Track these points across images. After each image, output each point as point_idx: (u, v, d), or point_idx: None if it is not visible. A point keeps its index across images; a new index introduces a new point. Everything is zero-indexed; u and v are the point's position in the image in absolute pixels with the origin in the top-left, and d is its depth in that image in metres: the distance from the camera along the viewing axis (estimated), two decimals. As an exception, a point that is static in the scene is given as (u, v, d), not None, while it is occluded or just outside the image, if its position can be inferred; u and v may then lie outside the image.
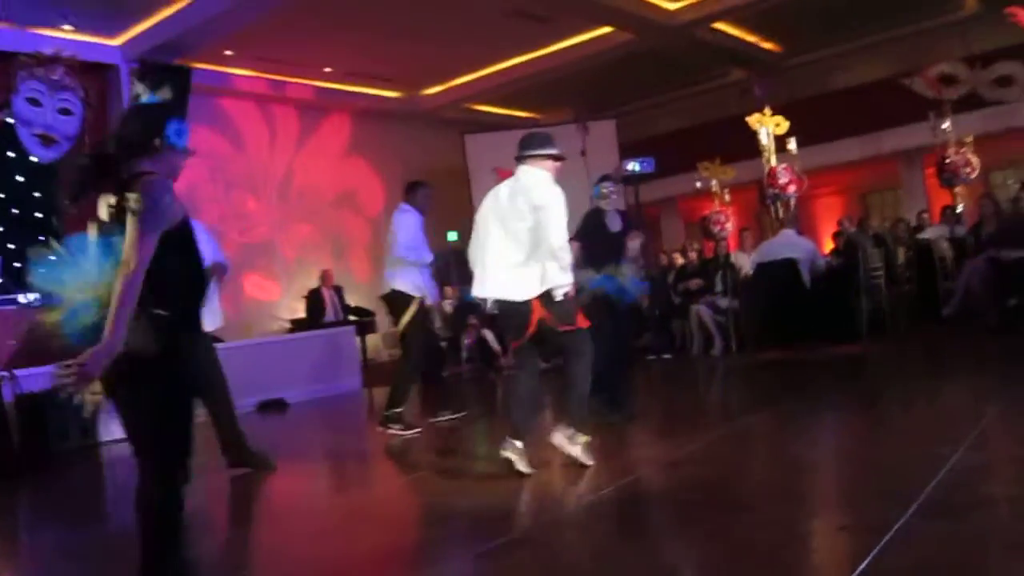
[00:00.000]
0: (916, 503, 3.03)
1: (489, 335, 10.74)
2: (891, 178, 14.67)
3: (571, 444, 4.40)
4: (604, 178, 5.97)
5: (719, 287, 9.87)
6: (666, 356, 9.85)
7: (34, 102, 9.92)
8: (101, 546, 4.13)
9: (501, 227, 4.40)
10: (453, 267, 13.83)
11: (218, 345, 9.31)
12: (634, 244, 5.76)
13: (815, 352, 8.46)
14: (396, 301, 6.42)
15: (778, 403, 6.12)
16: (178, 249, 2.49)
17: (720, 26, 13.08)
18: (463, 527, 3.64)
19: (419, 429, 6.38)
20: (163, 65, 10.52)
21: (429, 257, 6.50)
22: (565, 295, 4.33)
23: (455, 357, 11.03)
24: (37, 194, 10.80)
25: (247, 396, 9.44)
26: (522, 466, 4.30)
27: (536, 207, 4.24)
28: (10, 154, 10.37)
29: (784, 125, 10.72)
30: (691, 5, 12.03)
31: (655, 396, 7.02)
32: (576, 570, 3.03)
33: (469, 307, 11.38)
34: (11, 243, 10.33)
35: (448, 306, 11.59)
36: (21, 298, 8.14)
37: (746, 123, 10.85)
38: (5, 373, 6.97)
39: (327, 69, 13.19)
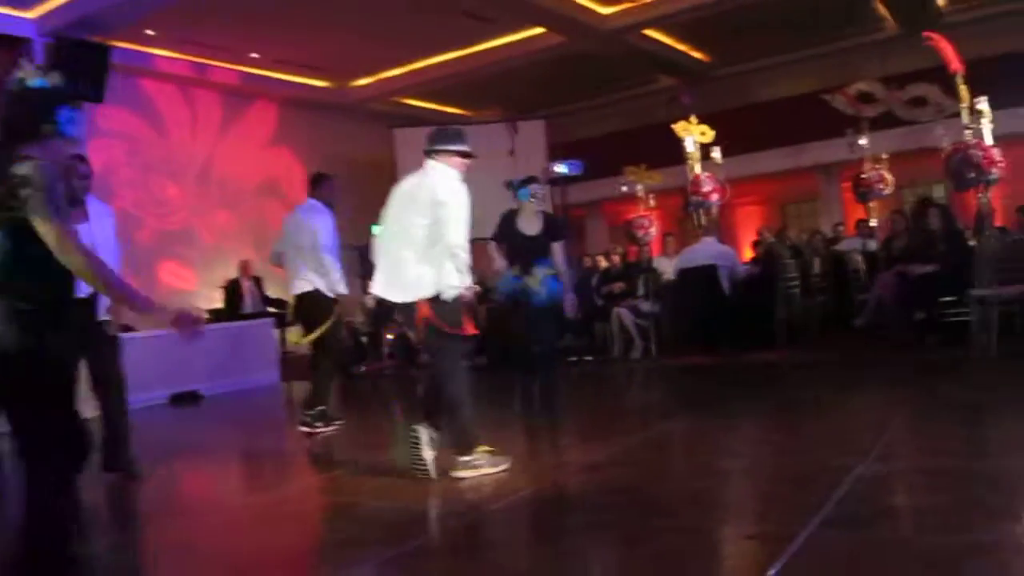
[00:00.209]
0: (822, 513, 3.10)
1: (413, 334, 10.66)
2: (810, 190, 15.07)
3: (428, 447, 4.22)
4: (531, 179, 5.92)
5: (641, 291, 9.98)
6: (587, 358, 9.92)
7: (-61, 74, 9.46)
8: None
9: (398, 222, 4.29)
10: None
11: (130, 335, 9.05)
12: (557, 249, 5.74)
13: (732, 358, 8.64)
14: (317, 303, 6.20)
15: (695, 408, 6.22)
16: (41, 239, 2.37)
17: (651, 33, 13.25)
18: (374, 530, 3.58)
19: (341, 420, 6.30)
20: (80, 42, 10.12)
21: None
22: (455, 298, 4.19)
23: (376, 353, 10.92)
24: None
25: (160, 388, 9.21)
26: (432, 471, 4.17)
27: (437, 203, 4.14)
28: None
29: (709, 134, 10.89)
30: (624, 11, 12.15)
31: (576, 398, 7.05)
32: None
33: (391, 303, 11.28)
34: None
35: (370, 301, 11.46)
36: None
37: (672, 130, 10.98)
38: None
39: (254, 55, 12.92)
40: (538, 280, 5.58)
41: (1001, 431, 4.59)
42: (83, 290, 4.60)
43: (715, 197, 10.72)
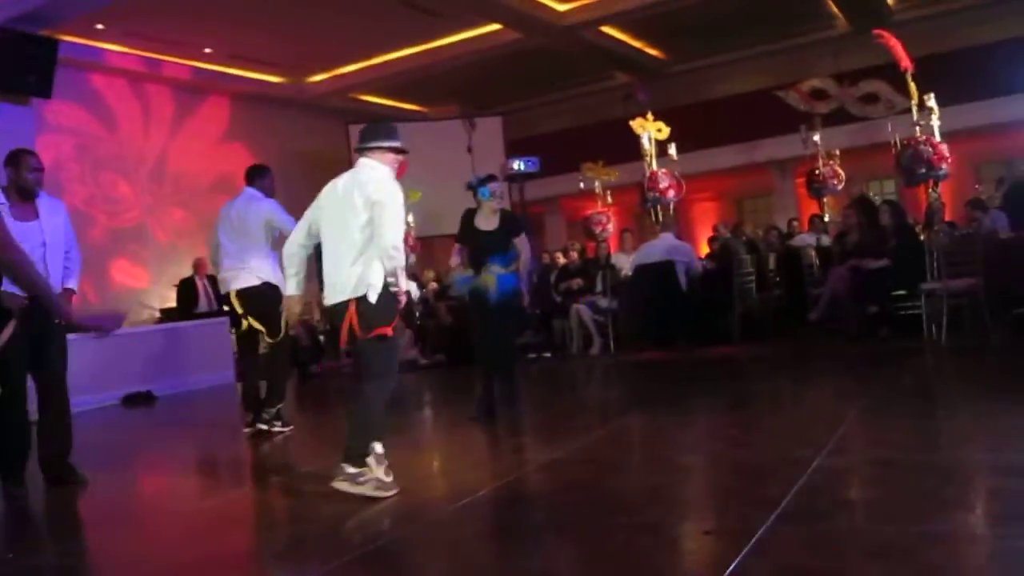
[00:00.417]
0: (779, 507, 3.12)
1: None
2: (764, 186, 15.25)
3: (355, 487, 3.86)
4: (490, 178, 5.89)
5: (599, 287, 10.02)
6: (546, 355, 9.94)
7: None
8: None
9: (334, 224, 4.11)
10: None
11: (80, 336, 8.87)
12: (522, 243, 5.73)
13: (690, 353, 8.70)
14: (267, 296, 5.93)
15: (653, 404, 6.25)
16: None
17: (607, 30, 13.29)
18: (325, 534, 3.53)
19: (291, 427, 6.25)
20: (26, 35, 9.88)
21: None
22: (384, 299, 4.00)
23: (334, 352, 10.81)
24: None
25: (112, 389, 9.04)
26: (381, 492, 3.87)
27: (372, 203, 3.97)
28: None
29: (666, 131, 10.97)
30: (579, 7, 12.18)
31: (534, 396, 7.05)
32: (448, 576, 2.99)
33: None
34: None
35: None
36: None
37: (629, 126, 11.04)
38: None
39: (207, 50, 12.72)
40: (491, 278, 5.53)
41: (953, 423, 4.68)
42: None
43: (671, 193, 10.81)
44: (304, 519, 3.87)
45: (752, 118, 13.22)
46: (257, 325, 6.11)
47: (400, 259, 4.02)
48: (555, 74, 14.97)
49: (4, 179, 4.77)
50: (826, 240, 10.50)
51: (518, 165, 14.06)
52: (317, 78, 14.62)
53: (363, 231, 4.00)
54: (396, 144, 4.26)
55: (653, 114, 11.10)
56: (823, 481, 3.50)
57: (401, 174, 11.92)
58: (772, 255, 10.69)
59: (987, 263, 7.45)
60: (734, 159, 14.24)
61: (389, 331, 4.03)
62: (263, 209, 6.04)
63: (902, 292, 8.10)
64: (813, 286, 9.45)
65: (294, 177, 11.17)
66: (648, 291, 9.37)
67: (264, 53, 13.08)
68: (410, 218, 13.10)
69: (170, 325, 10.72)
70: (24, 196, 4.70)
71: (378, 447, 3.95)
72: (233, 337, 10.82)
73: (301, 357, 10.69)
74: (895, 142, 9.28)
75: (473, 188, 5.75)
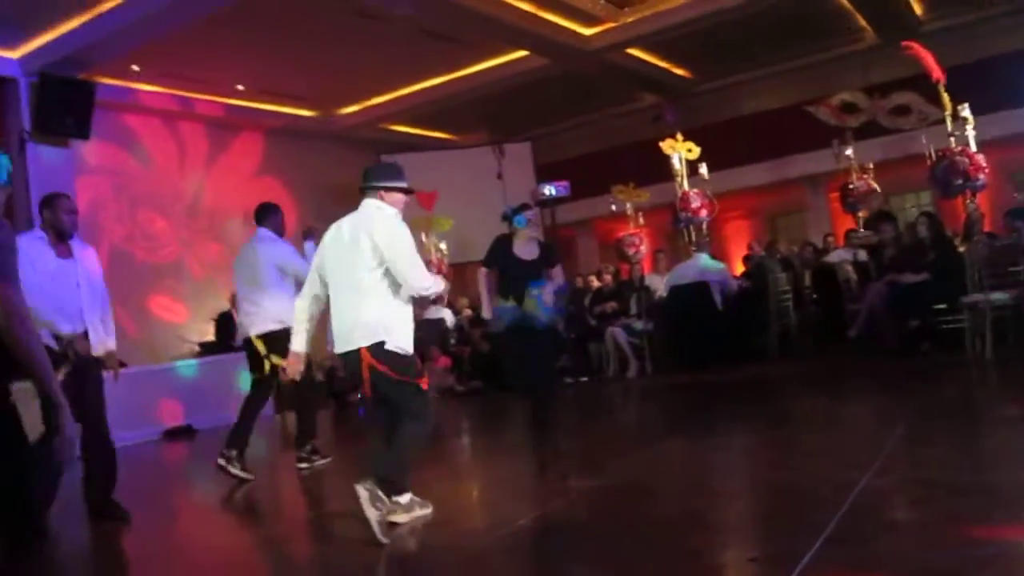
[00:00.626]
0: (825, 532, 3.07)
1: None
2: (797, 202, 15.11)
3: (371, 505, 3.69)
4: (524, 206, 5.91)
5: (634, 310, 9.97)
6: (583, 379, 9.89)
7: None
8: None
9: (341, 269, 3.99)
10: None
11: (121, 371, 8.97)
12: (557, 274, 5.75)
13: (727, 374, 8.62)
14: (278, 344, 5.70)
15: (692, 427, 6.19)
16: None
17: (634, 52, 13.30)
18: (366, 564, 3.54)
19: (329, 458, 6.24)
20: (64, 79, 10.12)
21: None
22: (404, 346, 3.92)
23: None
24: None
25: (152, 424, 9.14)
26: (379, 531, 3.68)
27: (383, 247, 3.87)
28: None
29: (696, 151, 10.93)
30: (605, 31, 12.21)
31: (572, 421, 7.02)
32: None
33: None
34: None
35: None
36: None
37: (659, 147, 11.02)
38: None
39: (238, 86, 12.92)
40: (533, 302, 5.55)
41: (998, 440, 4.57)
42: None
43: (704, 213, 10.74)
44: (341, 545, 3.87)
45: (782, 134, 13.13)
46: (282, 363, 6.04)
47: (435, 288, 4.01)
48: (583, 98, 14.99)
49: (40, 220, 4.88)
50: (863, 255, 10.37)
51: (548, 191, 14.10)
52: (348, 110, 14.78)
53: (371, 274, 3.89)
54: (404, 185, 4.15)
55: (683, 134, 11.07)
56: (868, 503, 3.43)
57: (431, 204, 12.11)
58: (807, 272, 10.57)
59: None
60: (766, 176, 14.14)
61: (423, 383, 3.99)
62: (273, 253, 5.96)
63: (943, 305, 7.96)
64: (851, 302, 9.33)
65: (328, 209, 11.23)
66: (684, 312, 9.32)
67: (294, 87, 13.26)
68: (443, 245, 13.20)
69: (209, 359, 10.83)
70: (60, 238, 4.80)
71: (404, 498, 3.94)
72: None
73: (338, 387, 10.75)
74: (930, 154, 9.16)
75: (508, 218, 5.79)
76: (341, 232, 4.06)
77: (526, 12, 11.07)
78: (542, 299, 5.57)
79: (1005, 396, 6.02)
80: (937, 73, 8.84)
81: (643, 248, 11.93)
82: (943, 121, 8.91)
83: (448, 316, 12.02)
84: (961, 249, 8.49)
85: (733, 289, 9.48)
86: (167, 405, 9.22)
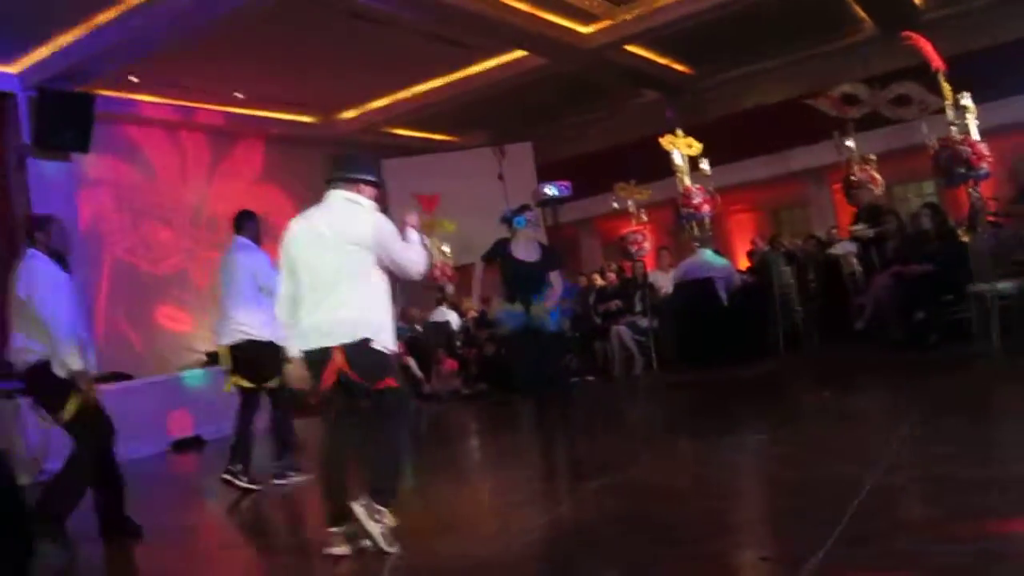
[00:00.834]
0: (837, 530, 3.06)
1: (412, 362, 10.63)
2: (800, 195, 15.07)
3: (370, 519, 3.64)
4: (524, 207, 5.89)
5: (638, 307, 9.96)
6: (589, 378, 9.88)
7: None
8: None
9: (312, 263, 3.83)
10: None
11: (127, 384, 8.99)
12: (556, 279, 5.72)
13: (733, 370, 8.59)
14: (261, 353, 5.67)
15: (700, 425, 6.17)
16: None
17: (632, 49, 13.28)
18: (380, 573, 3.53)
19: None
20: (64, 93, 10.13)
21: None
22: (385, 345, 3.78)
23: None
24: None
25: (161, 436, 9.13)
26: (384, 543, 3.63)
27: (369, 241, 3.78)
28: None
29: (696, 147, 10.87)
30: (603, 29, 12.18)
31: (581, 420, 6.99)
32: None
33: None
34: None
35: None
36: None
37: (660, 143, 10.98)
38: None
39: (238, 95, 12.93)
40: (543, 309, 5.54)
41: (1009, 433, 4.56)
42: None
43: (706, 208, 10.69)
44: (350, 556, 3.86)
45: (784, 128, 13.09)
46: (244, 383, 5.94)
47: (422, 262, 3.97)
48: (583, 96, 14.96)
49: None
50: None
51: (550, 190, 14.08)
52: (347, 115, 14.77)
53: (353, 270, 3.77)
54: (374, 178, 4.04)
55: (683, 129, 11.03)
56: (879, 501, 3.41)
57: (433, 208, 12.06)
58: (812, 265, 10.54)
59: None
60: (768, 170, 14.10)
61: (395, 383, 3.80)
62: (248, 262, 5.90)
63: (949, 296, 7.92)
64: (857, 295, 9.29)
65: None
66: (689, 308, 9.30)
67: (294, 94, 13.26)
68: (446, 248, 13.20)
69: (216, 368, 10.81)
70: (55, 258, 4.81)
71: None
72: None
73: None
74: (931, 143, 9.12)
75: (508, 220, 5.77)
76: (314, 227, 3.91)
77: (523, 12, 11.05)
78: (549, 307, 5.56)
79: (1013, 388, 5.98)
80: (937, 62, 8.78)
81: (646, 245, 11.88)
82: (943, 110, 8.87)
83: (454, 319, 12.02)
84: (965, 239, 8.46)
85: (737, 284, 9.45)
86: (175, 416, 9.21)
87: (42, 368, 4.52)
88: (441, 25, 11.06)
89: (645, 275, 10.69)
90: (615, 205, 12.09)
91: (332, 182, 4.00)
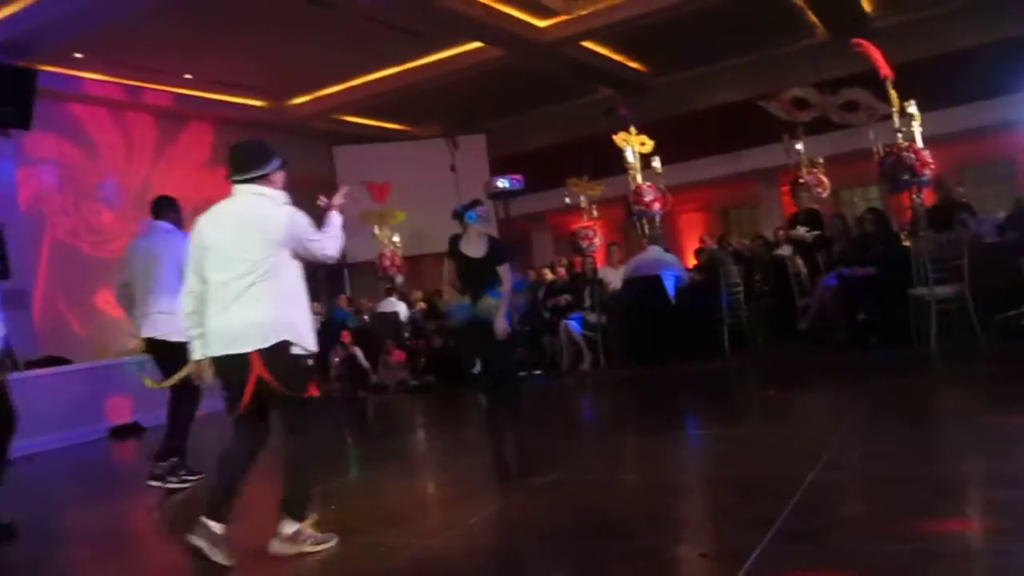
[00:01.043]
0: (774, 527, 3.09)
1: (359, 352, 10.54)
2: (750, 195, 15.27)
3: (297, 544, 3.59)
4: (475, 202, 5.85)
5: (588, 302, 9.99)
6: (536, 372, 9.88)
7: None
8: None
9: (222, 262, 3.61)
10: (322, 281, 13.53)
11: (65, 368, 8.77)
12: (505, 272, 5.67)
13: (680, 367, 8.67)
14: (172, 349, 5.24)
15: (645, 421, 6.21)
16: None
17: (588, 45, 13.33)
18: (319, 565, 3.49)
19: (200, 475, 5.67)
20: (4, 66, 9.82)
21: None
22: (301, 354, 3.63)
23: (324, 375, 10.74)
24: None
25: (98, 421, 8.92)
26: (218, 556, 3.48)
27: (281, 235, 3.62)
28: None
29: (649, 144, 10.96)
30: (560, 24, 12.21)
31: (526, 415, 6.99)
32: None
33: (338, 324, 11.14)
34: None
35: (315, 322, 11.29)
36: None
37: (613, 140, 11.03)
38: None
39: (187, 76, 12.68)
40: (492, 301, 5.50)
41: (945, 432, 4.66)
42: None
43: (657, 206, 10.78)
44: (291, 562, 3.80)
45: (735, 128, 13.25)
46: (151, 385, 5.68)
47: (339, 241, 3.84)
48: (538, 90, 14.98)
49: None
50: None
51: (502, 183, 14.07)
52: (299, 100, 14.60)
53: (266, 269, 3.57)
54: (279, 162, 3.85)
55: (637, 128, 11.10)
56: (818, 498, 3.46)
57: (384, 196, 11.98)
58: (759, 265, 10.67)
59: (973, 268, 7.45)
60: (718, 170, 14.27)
61: (316, 391, 3.72)
62: (174, 244, 5.47)
63: (889, 299, 8.08)
64: (802, 295, 9.44)
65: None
66: (637, 305, 9.35)
67: (245, 77, 13.06)
68: (396, 238, 13.11)
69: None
70: None
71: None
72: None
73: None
74: (877, 149, 9.30)
75: (460, 215, 5.71)
76: (220, 222, 3.72)
77: (481, 3, 11.03)
78: (501, 307, 5.51)
79: (951, 389, 6.13)
80: (885, 70, 8.95)
81: (597, 241, 11.94)
82: (891, 117, 9.04)
83: (402, 309, 11.94)
84: (907, 243, 8.64)
85: (685, 282, 9.53)
86: (113, 402, 9.00)
87: None
88: (397, 13, 10.97)
89: (595, 271, 10.73)
90: (567, 200, 12.13)
91: (238, 181, 3.79)
